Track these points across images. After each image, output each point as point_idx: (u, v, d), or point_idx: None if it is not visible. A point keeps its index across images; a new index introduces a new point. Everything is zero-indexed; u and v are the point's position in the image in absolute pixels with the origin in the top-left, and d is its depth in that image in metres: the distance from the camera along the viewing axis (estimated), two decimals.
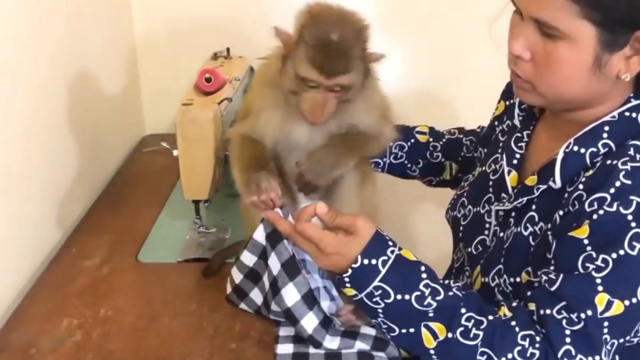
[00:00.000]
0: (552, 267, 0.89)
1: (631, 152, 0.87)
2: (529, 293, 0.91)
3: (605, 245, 0.84)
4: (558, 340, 0.85)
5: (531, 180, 0.97)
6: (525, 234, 0.96)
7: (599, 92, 0.91)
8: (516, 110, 1.08)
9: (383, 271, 0.90)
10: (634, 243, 0.83)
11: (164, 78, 1.72)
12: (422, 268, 0.92)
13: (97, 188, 1.45)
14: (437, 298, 0.89)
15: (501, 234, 1.01)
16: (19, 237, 1.15)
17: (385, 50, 1.00)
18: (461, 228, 1.11)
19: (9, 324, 1.05)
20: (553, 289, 0.86)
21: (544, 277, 0.88)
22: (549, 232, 0.92)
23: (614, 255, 0.84)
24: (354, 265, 0.90)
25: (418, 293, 0.89)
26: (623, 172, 0.86)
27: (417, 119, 1.36)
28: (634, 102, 0.93)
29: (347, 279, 0.90)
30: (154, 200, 1.39)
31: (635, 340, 0.93)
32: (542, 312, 0.87)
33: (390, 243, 0.92)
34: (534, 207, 0.96)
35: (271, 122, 1.04)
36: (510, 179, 1.03)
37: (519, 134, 1.05)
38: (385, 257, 0.90)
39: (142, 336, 1.02)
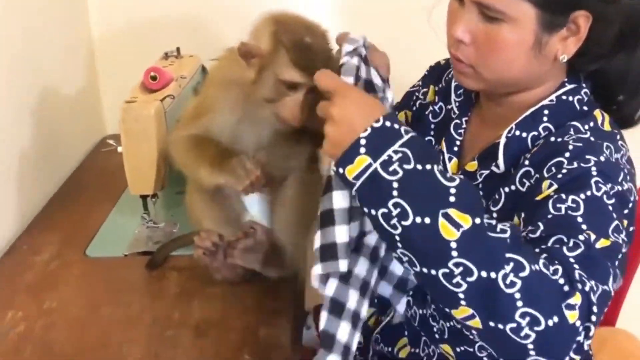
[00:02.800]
0: (524, 224, 0.85)
1: (571, 131, 0.90)
2: None
3: (571, 188, 0.83)
4: (569, 267, 0.76)
5: (471, 166, 0.99)
6: None
7: (538, 73, 0.94)
8: (452, 96, 1.09)
9: (406, 137, 0.78)
10: (600, 186, 0.83)
11: (123, 78, 1.74)
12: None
13: (54, 187, 1.48)
14: (459, 178, 0.78)
15: None
16: None
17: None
18: None
19: None
20: (537, 234, 0.81)
21: (523, 234, 0.83)
22: (492, 208, 0.93)
23: (582, 196, 0.82)
24: (374, 125, 0.78)
25: (440, 167, 0.78)
26: (571, 141, 0.88)
27: None
28: (569, 86, 0.96)
29: (363, 141, 0.77)
30: (106, 197, 1.42)
31: None
32: (537, 249, 0.80)
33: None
34: (480, 191, 0.97)
35: (228, 124, 1.07)
36: (451, 166, 1.05)
37: (458, 121, 1.06)
38: (406, 127, 0.80)
39: (84, 326, 1.05)
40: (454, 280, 0.73)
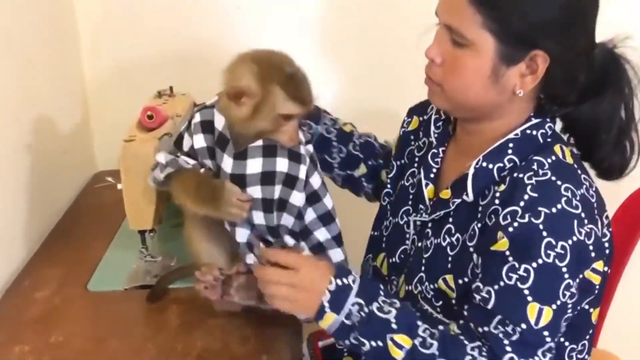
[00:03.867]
0: (479, 282, 0.97)
1: (534, 166, 0.98)
2: (465, 312, 0.99)
3: (524, 256, 0.93)
4: (500, 351, 0.93)
5: (445, 194, 1.07)
6: (444, 244, 1.06)
7: (497, 103, 1.02)
8: (432, 128, 1.18)
9: (354, 287, 0.99)
10: (549, 251, 0.93)
11: (114, 116, 1.79)
12: (377, 283, 1.03)
13: (50, 223, 1.52)
14: (396, 306, 0.98)
15: (419, 244, 1.11)
16: None
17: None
18: (384, 239, 1.21)
19: None
20: (489, 306, 0.95)
21: (477, 296, 0.97)
22: (468, 244, 1.02)
23: (534, 265, 0.93)
24: (330, 287, 0.98)
25: (378, 305, 0.98)
26: (529, 186, 0.96)
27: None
28: (534, 121, 1.04)
29: (326, 304, 0.97)
30: (104, 232, 1.46)
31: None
32: (480, 329, 0.95)
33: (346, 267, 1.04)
34: (450, 219, 1.06)
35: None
36: (428, 192, 1.13)
37: (435, 150, 1.15)
38: (352, 275, 1.01)
39: (90, 359, 1.09)
40: None
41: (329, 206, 1.15)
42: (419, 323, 0.97)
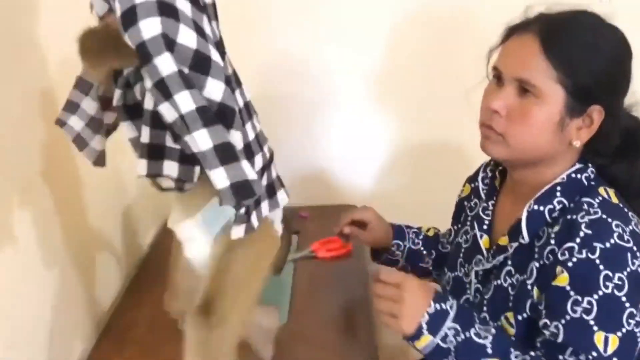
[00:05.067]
0: (546, 318, 1.05)
1: (585, 207, 1.07)
2: (538, 350, 1.06)
3: (585, 289, 1.02)
4: None
5: (503, 241, 1.16)
6: (505, 285, 1.14)
7: (557, 151, 1.11)
8: (480, 186, 1.29)
9: (451, 312, 1.07)
10: (607, 283, 1.01)
11: None
12: (473, 310, 1.12)
13: (134, 265, 1.64)
14: (492, 332, 1.07)
15: (483, 289, 1.20)
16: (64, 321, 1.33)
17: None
18: (448, 293, 1.30)
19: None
20: (559, 340, 1.02)
21: (547, 332, 1.04)
22: (527, 282, 1.10)
23: (595, 297, 1.01)
24: (429, 310, 1.06)
25: (475, 331, 1.07)
26: (583, 224, 1.04)
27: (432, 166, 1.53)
28: (578, 166, 1.14)
29: (425, 325, 1.06)
30: None
31: None
32: (559, 357, 1.02)
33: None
34: (509, 262, 1.15)
35: None
36: (483, 242, 1.23)
37: (485, 204, 1.26)
38: (450, 301, 1.09)
39: None
40: None
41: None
42: (512, 349, 1.05)
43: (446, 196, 1.49)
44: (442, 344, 1.06)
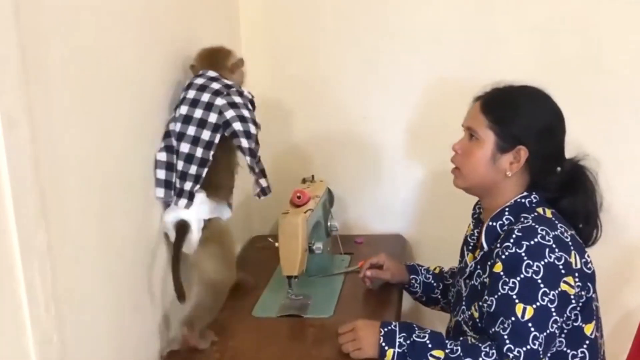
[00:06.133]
0: (486, 295, 1.47)
1: (522, 219, 1.50)
2: (483, 322, 1.49)
3: (512, 273, 1.43)
4: (503, 343, 1.40)
5: (477, 253, 1.61)
6: (476, 284, 1.57)
7: (496, 181, 1.56)
8: (471, 220, 1.75)
9: (397, 329, 1.51)
10: (528, 269, 1.42)
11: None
12: (411, 322, 1.55)
13: None
14: (427, 332, 1.49)
15: (464, 289, 1.64)
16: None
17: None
18: (452, 300, 1.75)
19: (173, 350, 1.70)
20: (492, 310, 1.44)
21: (485, 305, 1.47)
22: (485, 279, 1.52)
23: (518, 279, 1.42)
24: (382, 333, 1.50)
25: (416, 334, 1.49)
26: (517, 230, 1.47)
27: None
28: (524, 194, 1.57)
29: (383, 344, 1.48)
30: (262, 278, 2.05)
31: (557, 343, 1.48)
32: (490, 331, 1.44)
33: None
34: (478, 267, 1.58)
35: None
36: (468, 258, 1.67)
37: (472, 232, 1.71)
38: (393, 322, 1.54)
39: (255, 356, 1.65)
40: None
41: None
42: (446, 340, 1.47)
43: None
44: (398, 350, 1.47)
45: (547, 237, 1.45)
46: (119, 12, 1.41)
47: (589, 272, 1.51)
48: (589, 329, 1.51)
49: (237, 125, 1.56)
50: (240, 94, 1.63)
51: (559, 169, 1.57)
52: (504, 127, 1.54)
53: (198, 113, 1.57)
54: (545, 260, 1.43)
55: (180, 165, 1.58)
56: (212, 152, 1.57)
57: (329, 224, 2.11)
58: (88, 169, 1.28)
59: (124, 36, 1.44)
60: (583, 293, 1.49)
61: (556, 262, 1.43)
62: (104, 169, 1.35)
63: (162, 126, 1.63)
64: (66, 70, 1.19)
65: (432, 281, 1.93)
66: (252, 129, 1.58)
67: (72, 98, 1.21)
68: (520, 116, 1.55)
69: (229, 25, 2.30)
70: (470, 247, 1.70)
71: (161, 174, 1.59)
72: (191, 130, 1.57)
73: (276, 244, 1.83)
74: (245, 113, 1.58)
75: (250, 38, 2.35)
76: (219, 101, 1.57)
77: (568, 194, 1.57)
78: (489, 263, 1.52)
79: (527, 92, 1.58)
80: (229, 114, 1.56)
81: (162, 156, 1.59)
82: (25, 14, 1.04)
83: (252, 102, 1.66)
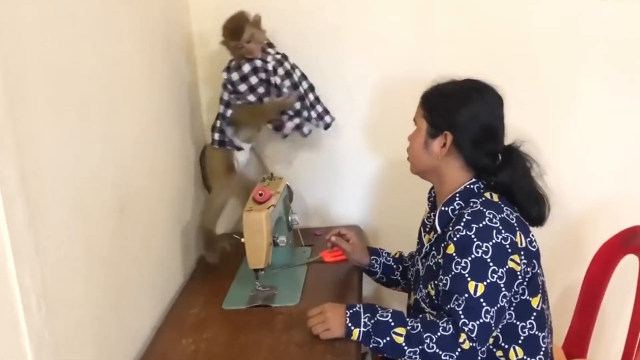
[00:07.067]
0: (440, 275, 1.60)
1: (471, 204, 1.63)
2: (439, 299, 1.62)
3: (463, 254, 1.56)
4: (458, 318, 1.53)
5: (432, 235, 1.74)
6: (431, 264, 1.70)
7: (434, 164, 1.71)
8: (427, 203, 1.88)
9: (362, 310, 1.63)
10: (478, 250, 1.55)
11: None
12: (370, 304, 1.67)
13: (192, 264, 2.23)
14: (389, 312, 1.62)
15: (422, 269, 1.77)
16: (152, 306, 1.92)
17: None
18: (412, 279, 1.88)
19: (152, 345, 1.80)
20: (447, 289, 1.57)
21: (440, 284, 1.60)
22: (440, 259, 1.65)
23: (469, 259, 1.55)
24: (347, 314, 1.62)
25: (380, 314, 1.61)
26: (466, 214, 1.60)
27: None
28: (472, 180, 1.70)
29: (350, 324, 1.60)
30: (230, 271, 2.14)
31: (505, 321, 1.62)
32: (446, 307, 1.57)
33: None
34: (433, 248, 1.71)
35: None
36: (426, 239, 1.79)
37: (429, 215, 1.84)
38: (358, 304, 1.66)
39: (229, 347, 1.74)
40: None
41: None
42: (407, 318, 1.60)
43: None
44: (364, 329, 1.59)
45: (494, 220, 1.58)
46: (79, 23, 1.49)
47: (534, 250, 1.65)
48: (535, 302, 1.65)
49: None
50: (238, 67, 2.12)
51: (500, 156, 1.70)
52: (432, 115, 1.69)
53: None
54: (494, 241, 1.56)
55: None
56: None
57: (289, 218, 2.21)
58: (70, 179, 1.37)
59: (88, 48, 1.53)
60: (529, 269, 1.62)
61: (503, 242, 1.57)
62: (83, 177, 1.44)
63: (135, 135, 1.73)
64: (44, 88, 1.28)
65: (392, 263, 2.05)
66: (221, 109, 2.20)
67: (53, 115, 1.31)
68: (447, 104, 1.69)
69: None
70: (427, 229, 1.83)
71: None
72: None
73: (242, 240, 1.92)
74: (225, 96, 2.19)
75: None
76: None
77: (514, 178, 1.68)
78: (442, 245, 1.65)
79: (459, 84, 1.71)
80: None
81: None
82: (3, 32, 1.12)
83: (255, 69, 2.10)
